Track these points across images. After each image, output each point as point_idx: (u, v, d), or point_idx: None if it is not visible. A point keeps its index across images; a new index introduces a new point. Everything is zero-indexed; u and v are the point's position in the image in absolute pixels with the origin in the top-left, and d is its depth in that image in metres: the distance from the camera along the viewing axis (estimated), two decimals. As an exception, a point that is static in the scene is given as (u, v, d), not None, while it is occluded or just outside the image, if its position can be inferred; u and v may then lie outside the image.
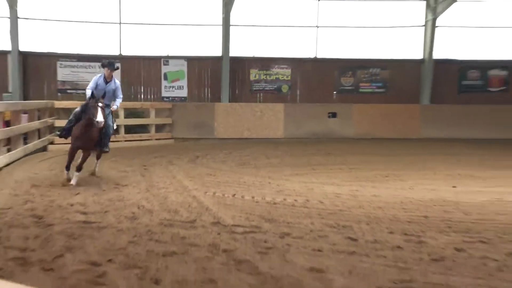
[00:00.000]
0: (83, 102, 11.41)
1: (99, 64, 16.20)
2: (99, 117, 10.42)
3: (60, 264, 5.95)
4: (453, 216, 8.70)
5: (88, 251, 6.49)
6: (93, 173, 12.19)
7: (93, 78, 11.71)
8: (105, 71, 11.50)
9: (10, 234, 7.19)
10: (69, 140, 11.77)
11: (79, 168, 11.13)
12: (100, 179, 11.97)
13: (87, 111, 10.75)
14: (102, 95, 10.98)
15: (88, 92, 11.08)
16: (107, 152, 12.10)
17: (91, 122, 10.70)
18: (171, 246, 6.76)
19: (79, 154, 11.55)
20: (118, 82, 11.97)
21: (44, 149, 17.35)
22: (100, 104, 10.57)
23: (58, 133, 12.19)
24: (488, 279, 5.72)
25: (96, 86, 11.33)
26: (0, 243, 6.76)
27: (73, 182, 10.94)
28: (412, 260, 6.33)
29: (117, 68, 11.70)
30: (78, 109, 11.48)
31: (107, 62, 11.54)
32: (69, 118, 11.71)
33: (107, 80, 11.56)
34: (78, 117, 11.22)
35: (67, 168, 11.27)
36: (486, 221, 8.37)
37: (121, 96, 12.09)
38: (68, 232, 7.30)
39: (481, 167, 14.93)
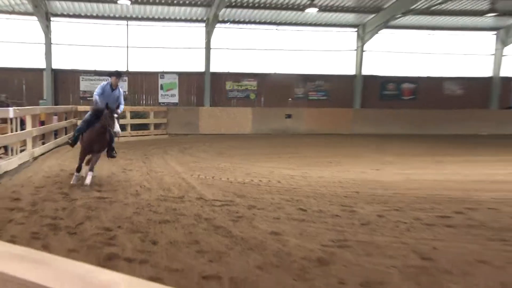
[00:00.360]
0: (92, 108, 9.67)
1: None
2: (117, 128, 8.77)
3: (82, 229, 5.95)
4: (376, 192, 8.81)
5: (102, 219, 6.48)
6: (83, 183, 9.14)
7: (99, 85, 9.84)
8: (112, 79, 9.66)
9: (44, 206, 7.17)
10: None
11: (91, 168, 9.22)
12: (112, 165, 11.83)
13: (103, 121, 8.89)
14: (117, 106, 9.14)
15: (96, 98, 9.41)
16: (114, 157, 10.00)
17: (104, 130, 9.03)
18: (165, 216, 6.74)
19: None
20: (121, 90, 10.05)
21: (69, 142, 17.02)
22: (116, 115, 8.85)
23: (70, 141, 10.04)
24: (400, 237, 5.83)
25: (103, 92, 9.52)
26: (37, 213, 6.76)
27: (87, 181, 8.88)
28: (346, 225, 6.40)
29: (123, 78, 10.25)
30: (87, 116, 9.57)
31: (115, 71, 9.89)
32: (78, 127, 9.77)
33: (113, 87, 9.67)
34: (88, 124, 9.28)
35: (78, 170, 9.17)
36: (399, 195, 8.50)
37: (123, 102, 10.04)
38: (88, 205, 7.28)
39: (397, 155, 15.13)
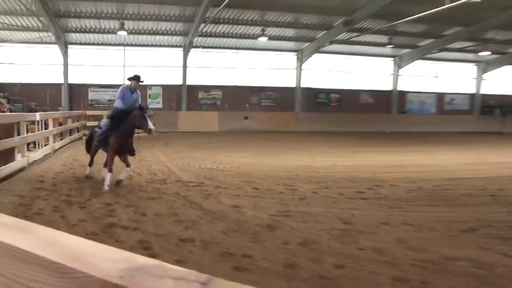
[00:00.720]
0: (112, 112, 7.68)
1: (112, 89, 18.40)
2: (151, 126, 7.08)
3: (89, 204, 5.92)
4: (311, 174, 8.92)
5: (105, 197, 6.38)
6: (119, 182, 7.42)
7: (120, 89, 7.87)
8: (133, 83, 7.78)
9: (61, 187, 7.13)
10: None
11: (128, 164, 7.56)
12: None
13: (134, 120, 7.16)
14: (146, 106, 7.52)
15: (119, 102, 7.56)
16: (134, 155, 8.06)
17: (133, 130, 7.36)
18: (151, 194, 6.64)
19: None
20: (139, 92, 8.04)
21: (80, 138, 16.93)
22: (147, 115, 7.18)
23: (98, 144, 7.82)
24: (329, 208, 5.93)
25: (124, 95, 7.73)
26: (56, 191, 6.74)
27: (122, 177, 7.43)
28: (289, 199, 6.46)
29: (142, 82, 7.92)
30: (106, 120, 7.73)
31: (135, 76, 7.88)
32: (102, 130, 7.65)
33: (132, 91, 7.81)
34: (112, 127, 7.42)
35: (111, 170, 7.20)
36: (328, 176, 8.65)
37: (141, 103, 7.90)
38: (93, 186, 7.19)
39: (327, 146, 15.34)
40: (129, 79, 7.88)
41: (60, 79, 23.41)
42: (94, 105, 23.65)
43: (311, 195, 6.78)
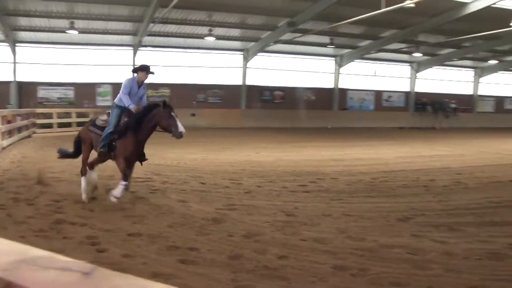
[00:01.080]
0: (115, 110, 5.86)
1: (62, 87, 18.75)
2: (181, 128, 5.49)
3: (37, 201, 5.67)
4: (256, 169, 8.97)
5: (53, 194, 6.10)
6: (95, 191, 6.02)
7: (124, 83, 5.91)
8: (140, 75, 5.94)
9: (9, 184, 6.75)
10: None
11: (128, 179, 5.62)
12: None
13: (155, 120, 5.61)
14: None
15: (126, 99, 5.72)
16: (145, 160, 6.07)
17: (150, 133, 5.80)
18: (100, 190, 6.30)
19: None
20: (145, 87, 6.23)
21: (29, 136, 16.27)
22: (174, 114, 5.59)
23: (102, 150, 5.73)
24: (272, 201, 6.02)
25: (130, 91, 5.86)
26: (3, 189, 6.38)
27: (117, 193, 5.42)
28: (235, 193, 6.48)
29: (153, 73, 6.16)
30: (116, 119, 5.77)
31: (143, 65, 6.07)
32: (107, 132, 5.70)
33: (139, 84, 5.99)
34: (124, 130, 5.64)
35: (125, 179, 5.49)
36: (272, 171, 8.73)
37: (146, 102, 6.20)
38: (41, 183, 6.77)
39: (271, 142, 15.43)
40: (135, 70, 6.10)
41: (9, 77, 22.29)
42: (44, 103, 22.69)
43: (256, 188, 6.84)
